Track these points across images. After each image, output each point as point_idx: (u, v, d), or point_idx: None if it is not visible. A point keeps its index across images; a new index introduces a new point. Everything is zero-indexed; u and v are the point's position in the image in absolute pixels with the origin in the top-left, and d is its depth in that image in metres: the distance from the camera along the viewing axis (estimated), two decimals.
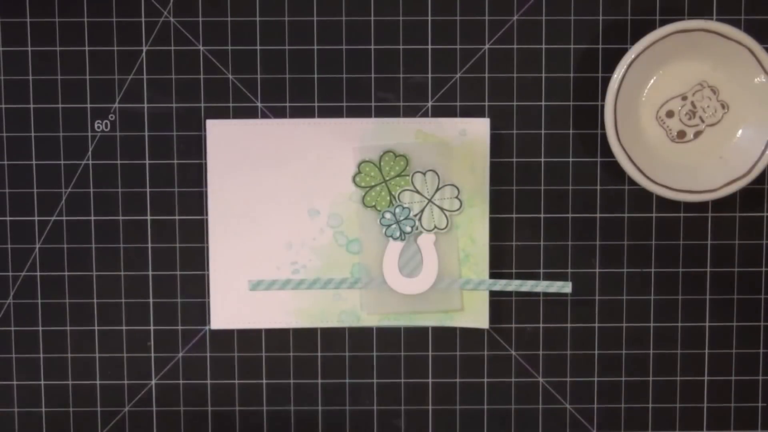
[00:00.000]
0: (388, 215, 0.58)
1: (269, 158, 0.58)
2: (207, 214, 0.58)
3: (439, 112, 0.58)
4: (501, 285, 0.58)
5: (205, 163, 0.58)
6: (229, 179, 0.58)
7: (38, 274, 0.59)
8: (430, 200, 0.58)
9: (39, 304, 0.59)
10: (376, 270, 0.58)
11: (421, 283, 0.58)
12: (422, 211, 0.58)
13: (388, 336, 0.59)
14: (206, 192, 0.58)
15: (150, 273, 0.59)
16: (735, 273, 0.59)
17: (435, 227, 0.58)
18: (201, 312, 0.59)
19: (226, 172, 0.58)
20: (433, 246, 0.58)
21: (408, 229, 0.58)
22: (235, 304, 0.58)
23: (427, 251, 0.58)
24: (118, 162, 0.58)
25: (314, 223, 0.58)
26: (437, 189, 0.58)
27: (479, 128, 0.57)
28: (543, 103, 0.58)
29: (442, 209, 0.58)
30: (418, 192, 0.58)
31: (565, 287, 0.58)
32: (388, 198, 0.58)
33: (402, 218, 0.58)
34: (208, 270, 0.58)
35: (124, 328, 0.59)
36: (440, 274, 0.58)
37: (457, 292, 0.58)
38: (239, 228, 0.58)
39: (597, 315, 0.59)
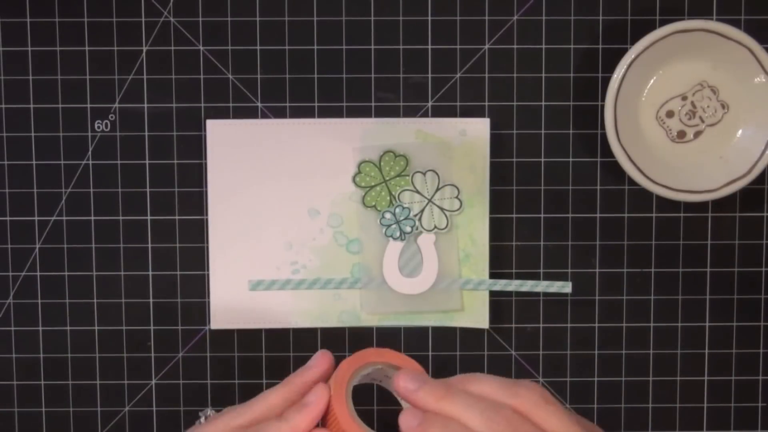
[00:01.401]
0: (388, 215, 0.58)
1: (269, 158, 0.58)
2: (207, 214, 0.58)
3: (439, 112, 0.58)
4: (501, 285, 0.58)
5: (205, 163, 0.58)
6: (229, 179, 0.58)
7: (38, 274, 0.58)
8: (430, 200, 0.58)
9: (39, 304, 0.59)
10: (376, 270, 0.58)
11: (421, 283, 0.58)
12: (422, 211, 0.58)
13: (388, 336, 0.59)
14: (206, 192, 0.58)
15: (150, 273, 0.59)
16: (735, 273, 0.59)
17: (435, 227, 0.58)
18: (201, 312, 0.59)
19: (226, 172, 0.58)
20: (433, 246, 0.58)
21: (408, 229, 0.58)
22: (235, 304, 0.58)
23: (427, 251, 0.58)
24: (118, 162, 0.58)
25: (314, 223, 0.58)
26: (437, 189, 0.57)
27: (479, 128, 0.57)
28: (543, 103, 0.58)
29: (442, 209, 0.58)
30: (418, 192, 0.58)
31: (565, 287, 0.58)
32: (388, 198, 0.58)
33: (402, 218, 0.58)
34: (208, 270, 0.58)
35: (124, 328, 0.59)
36: (440, 274, 0.58)
37: (457, 292, 0.58)
38: (239, 228, 0.58)
39: (597, 315, 0.59)
